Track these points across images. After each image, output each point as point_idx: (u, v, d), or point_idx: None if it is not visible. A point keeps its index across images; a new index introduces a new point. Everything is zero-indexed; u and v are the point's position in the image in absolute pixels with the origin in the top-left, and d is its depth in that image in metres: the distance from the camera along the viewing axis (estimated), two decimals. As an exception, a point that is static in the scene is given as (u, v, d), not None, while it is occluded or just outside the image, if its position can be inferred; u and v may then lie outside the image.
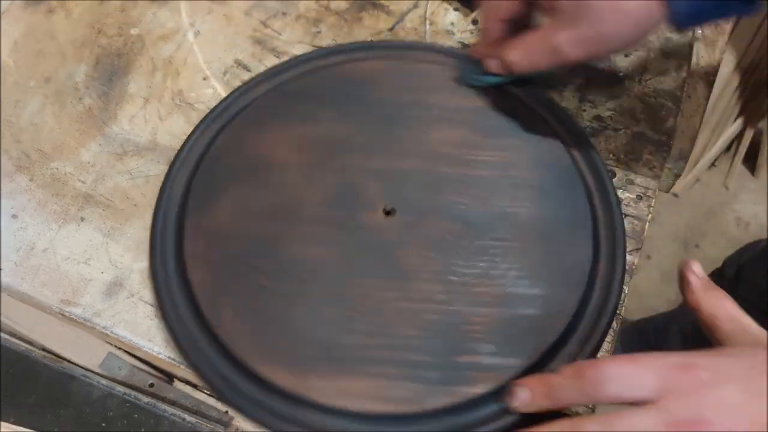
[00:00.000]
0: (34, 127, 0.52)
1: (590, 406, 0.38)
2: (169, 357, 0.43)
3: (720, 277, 0.94)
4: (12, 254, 0.47)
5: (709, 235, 1.37)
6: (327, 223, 0.43)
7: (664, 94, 0.52)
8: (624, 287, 0.42)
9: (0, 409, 0.46)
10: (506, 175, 0.45)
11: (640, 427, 0.30)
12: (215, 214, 0.44)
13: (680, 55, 0.53)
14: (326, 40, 0.55)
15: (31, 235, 0.47)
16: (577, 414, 0.39)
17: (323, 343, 0.39)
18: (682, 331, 1.01)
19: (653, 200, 0.47)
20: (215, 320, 0.40)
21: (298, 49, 0.55)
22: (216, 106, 0.50)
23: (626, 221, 0.46)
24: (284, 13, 0.57)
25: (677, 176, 0.53)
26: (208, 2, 0.58)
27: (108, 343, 0.49)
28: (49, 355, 0.49)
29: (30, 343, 0.51)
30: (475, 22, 0.56)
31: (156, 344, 0.43)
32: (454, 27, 0.56)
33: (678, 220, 1.38)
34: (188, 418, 0.47)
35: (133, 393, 0.47)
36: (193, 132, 0.49)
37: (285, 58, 0.54)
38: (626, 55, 0.53)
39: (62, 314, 0.45)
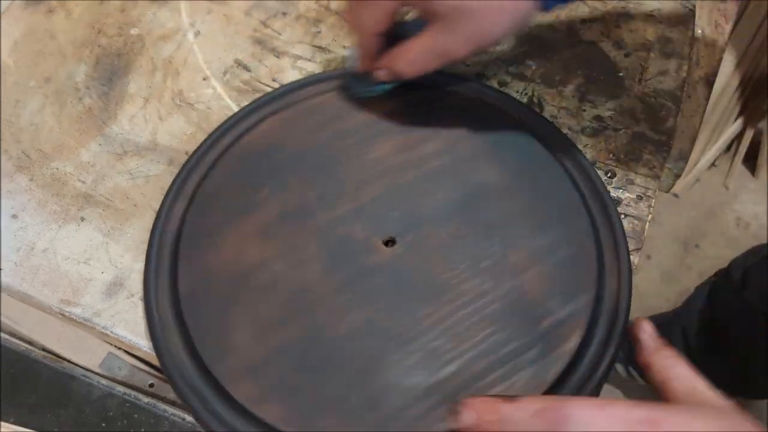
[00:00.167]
0: (34, 127, 0.52)
1: None
2: (169, 357, 0.43)
3: (727, 279, 0.94)
4: (12, 254, 0.47)
5: (709, 235, 1.37)
6: (342, 286, 0.41)
7: (664, 94, 0.52)
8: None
9: (0, 409, 0.46)
10: (457, 155, 0.46)
11: None
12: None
13: (680, 55, 0.53)
14: (326, 40, 0.55)
15: (31, 235, 0.47)
16: None
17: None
18: (685, 331, 1.01)
19: (653, 200, 0.47)
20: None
21: (298, 50, 0.55)
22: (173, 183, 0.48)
23: (626, 221, 0.46)
24: (284, 13, 0.57)
25: (677, 176, 0.53)
26: (208, 2, 0.58)
27: (108, 343, 0.49)
28: (49, 355, 0.49)
29: (30, 343, 0.51)
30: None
31: (156, 344, 0.43)
32: (454, 27, 0.56)
33: (678, 220, 1.38)
34: (188, 418, 0.47)
35: (133, 393, 0.47)
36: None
37: (285, 59, 0.54)
38: (626, 55, 0.53)
39: (62, 314, 0.45)
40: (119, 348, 0.50)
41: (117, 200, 0.49)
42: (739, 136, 1.37)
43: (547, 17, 0.56)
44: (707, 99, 0.54)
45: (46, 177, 0.50)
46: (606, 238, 0.44)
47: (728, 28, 0.58)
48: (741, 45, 1.07)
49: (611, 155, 0.49)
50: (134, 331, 0.44)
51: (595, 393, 0.39)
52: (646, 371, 0.37)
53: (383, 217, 0.44)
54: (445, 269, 0.42)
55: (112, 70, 0.55)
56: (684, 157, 0.52)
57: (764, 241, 0.95)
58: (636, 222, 0.46)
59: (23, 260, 0.46)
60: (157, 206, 0.48)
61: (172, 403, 0.49)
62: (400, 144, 0.47)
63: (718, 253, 1.34)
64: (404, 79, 0.45)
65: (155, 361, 0.42)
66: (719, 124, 1.26)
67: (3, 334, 0.50)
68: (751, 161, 1.41)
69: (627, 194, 0.47)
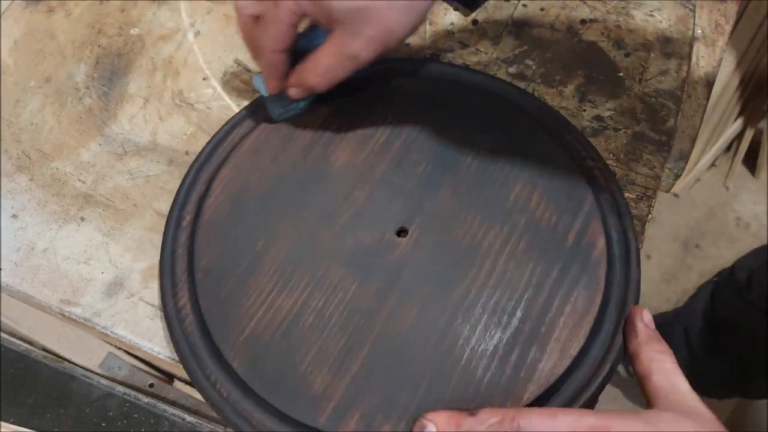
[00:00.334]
0: (34, 127, 0.52)
1: None
2: (169, 357, 0.43)
3: (731, 280, 0.94)
4: (12, 254, 0.47)
5: (709, 235, 1.37)
6: (382, 290, 0.41)
7: (664, 94, 0.52)
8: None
9: (0, 409, 0.46)
10: (413, 129, 0.47)
11: None
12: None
13: (680, 55, 0.53)
14: (326, 40, 0.55)
15: (31, 235, 0.47)
16: None
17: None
18: (686, 331, 1.01)
19: (653, 200, 0.47)
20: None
21: (298, 49, 0.55)
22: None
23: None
24: (284, 13, 0.57)
25: (677, 176, 0.53)
26: (208, 2, 0.58)
27: (108, 343, 0.49)
28: (49, 355, 0.50)
29: (30, 343, 0.51)
30: (475, 22, 0.56)
31: (156, 344, 0.43)
32: (454, 27, 0.56)
33: (678, 220, 1.38)
34: (188, 418, 0.47)
35: (133, 393, 0.47)
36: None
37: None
38: (626, 55, 0.53)
39: (62, 314, 0.45)
40: (119, 348, 0.50)
41: (117, 200, 0.49)
42: (739, 136, 1.37)
43: (547, 17, 0.56)
44: (707, 99, 0.54)
45: (46, 177, 0.50)
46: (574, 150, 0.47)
47: (728, 28, 0.58)
48: (741, 45, 1.07)
49: (611, 155, 0.49)
50: (134, 331, 0.44)
51: (602, 385, 0.39)
52: (634, 360, 0.38)
53: (383, 212, 0.44)
54: (463, 232, 0.43)
55: (112, 70, 0.55)
56: (684, 157, 0.52)
57: (764, 241, 0.96)
58: (636, 222, 0.46)
59: (23, 260, 0.46)
60: (157, 206, 0.48)
61: (172, 403, 0.49)
62: (356, 141, 0.47)
63: (718, 253, 1.34)
64: (319, 92, 0.45)
65: (155, 361, 0.42)
66: (719, 124, 1.26)
67: (3, 334, 0.50)
68: (751, 161, 1.41)
69: (627, 194, 0.47)
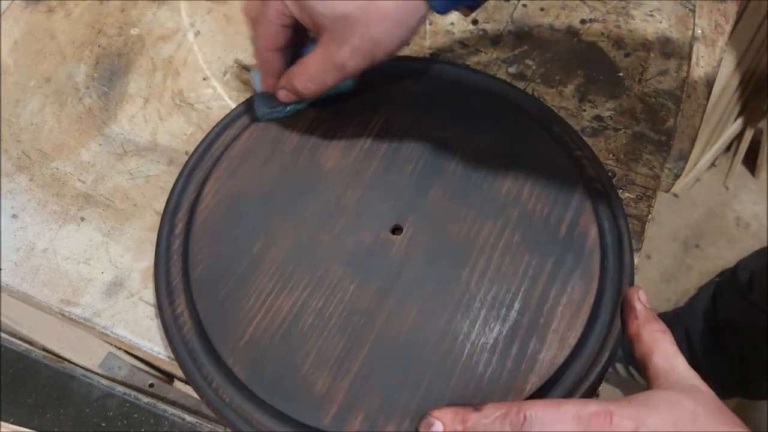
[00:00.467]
0: (34, 127, 0.52)
1: None
2: (169, 357, 0.43)
3: (733, 280, 0.94)
4: (12, 254, 0.47)
5: (709, 235, 1.37)
6: (381, 290, 0.42)
7: (664, 94, 0.52)
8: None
9: (0, 409, 0.46)
10: (399, 127, 0.48)
11: None
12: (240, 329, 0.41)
13: (680, 55, 0.53)
14: (326, 40, 0.55)
15: (31, 235, 0.47)
16: None
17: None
18: (688, 331, 1.01)
19: (653, 200, 0.47)
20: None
21: (298, 49, 0.55)
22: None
23: (626, 221, 0.46)
24: (284, 13, 0.57)
25: (677, 176, 0.53)
26: (208, 2, 0.58)
27: (108, 343, 0.49)
28: (49, 355, 0.50)
29: (30, 343, 0.51)
30: (475, 22, 0.56)
31: (156, 344, 0.43)
32: (454, 27, 0.56)
33: (678, 220, 1.38)
34: (188, 418, 0.47)
35: (133, 393, 0.47)
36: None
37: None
38: (626, 55, 0.53)
39: (62, 314, 0.45)
40: (119, 348, 0.50)
41: (117, 200, 0.49)
42: (739, 136, 1.37)
43: (547, 17, 0.56)
44: (707, 99, 0.54)
45: (46, 177, 0.50)
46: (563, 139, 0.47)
47: (728, 28, 0.58)
48: (741, 45, 1.07)
49: (611, 155, 0.49)
50: (134, 331, 0.44)
51: (602, 374, 0.39)
52: (634, 341, 0.38)
53: (377, 212, 0.44)
54: (458, 228, 0.43)
55: (112, 70, 0.55)
56: (684, 157, 0.52)
57: (764, 241, 0.96)
58: (636, 222, 0.46)
59: (23, 260, 0.46)
60: (157, 206, 0.48)
61: (172, 403, 0.49)
62: (345, 142, 0.47)
63: (718, 253, 1.34)
64: (307, 99, 0.45)
65: (155, 361, 0.42)
66: (719, 124, 1.26)
67: (3, 334, 0.50)
68: (751, 161, 1.41)
69: (627, 194, 0.47)
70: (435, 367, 0.39)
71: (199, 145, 0.48)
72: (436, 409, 0.36)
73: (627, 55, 0.53)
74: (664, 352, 0.36)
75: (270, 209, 0.45)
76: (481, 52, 0.54)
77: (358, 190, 0.45)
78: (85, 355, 0.50)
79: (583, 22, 0.55)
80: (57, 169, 0.50)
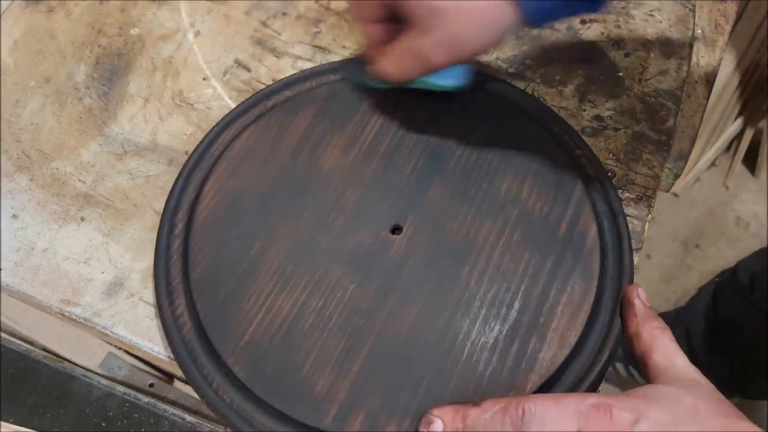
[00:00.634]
0: (34, 127, 0.52)
1: None
2: (169, 357, 0.43)
3: (733, 280, 0.94)
4: (12, 254, 0.47)
5: (709, 235, 1.37)
6: (381, 290, 0.42)
7: (664, 94, 0.52)
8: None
9: (0, 409, 0.46)
10: (398, 126, 0.48)
11: None
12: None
13: (680, 55, 0.53)
14: (326, 40, 0.55)
15: (31, 235, 0.47)
16: None
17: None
18: (688, 331, 1.01)
19: (653, 200, 0.47)
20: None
21: (298, 50, 0.55)
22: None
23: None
24: (284, 13, 0.57)
25: (677, 176, 0.53)
26: (208, 2, 0.58)
27: (108, 343, 0.49)
28: (49, 355, 0.50)
29: (30, 343, 0.51)
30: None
31: (156, 344, 0.43)
32: (454, 27, 0.55)
33: (678, 220, 1.38)
34: (188, 418, 0.47)
35: (133, 393, 0.47)
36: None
37: (285, 59, 0.54)
38: (626, 55, 0.53)
39: (62, 314, 0.45)
40: (119, 348, 0.50)
41: (117, 200, 0.49)
42: (739, 136, 1.37)
43: (547, 17, 0.56)
44: (707, 99, 0.54)
45: (46, 177, 0.50)
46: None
47: (728, 28, 0.58)
48: (741, 45, 1.07)
49: (611, 155, 0.49)
50: (134, 331, 0.44)
51: (601, 373, 0.39)
52: (634, 339, 0.38)
53: (376, 212, 0.44)
54: (457, 226, 0.43)
55: (112, 70, 0.55)
56: (684, 157, 0.52)
57: (764, 241, 0.96)
58: (636, 222, 0.46)
59: (23, 260, 0.46)
60: (157, 206, 0.48)
61: (172, 403, 0.49)
62: (343, 142, 0.47)
63: (718, 253, 1.34)
64: (391, 82, 0.44)
65: (155, 361, 0.42)
66: (719, 124, 1.26)
67: (3, 334, 0.50)
68: (751, 161, 1.41)
69: (627, 194, 0.47)
70: (435, 367, 0.39)
71: (198, 145, 0.48)
72: (436, 407, 0.36)
73: (627, 55, 0.53)
74: (664, 350, 0.36)
75: (269, 209, 0.45)
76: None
77: (357, 189, 0.45)
78: (85, 355, 0.50)
79: (583, 22, 0.55)
80: (57, 169, 0.50)
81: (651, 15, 0.56)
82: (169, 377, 0.52)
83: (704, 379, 0.34)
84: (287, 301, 0.41)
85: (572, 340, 0.39)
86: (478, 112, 0.48)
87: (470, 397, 0.38)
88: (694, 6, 0.56)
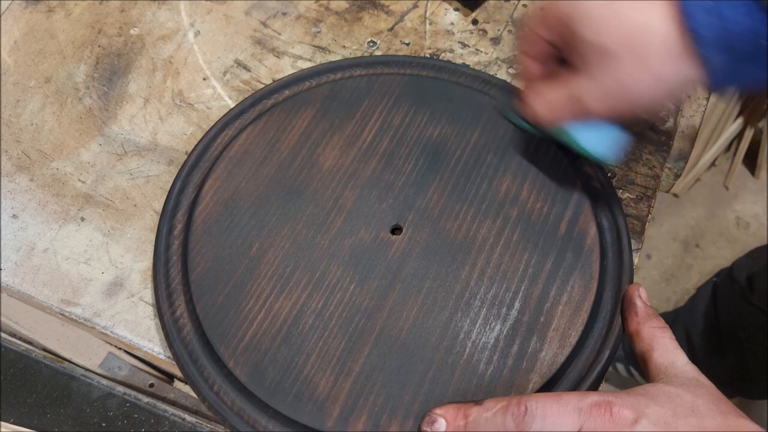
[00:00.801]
0: (34, 127, 0.52)
1: None
2: (168, 357, 0.43)
3: (730, 280, 0.94)
4: (12, 254, 0.47)
5: (709, 235, 1.37)
6: (382, 289, 0.41)
7: (664, 94, 0.52)
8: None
9: (0, 409, 0.46)
10: (396, 124, 0.48)
11: None
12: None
13: (680, 55, 0.53)
14: (326, 40, 0.55)
15: (31, 235, 0.47)
16: None
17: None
18: (688, 332, 1.01)
19: (653, 200, 0.47)
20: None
21: (298, 50, 0.55)
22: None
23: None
24: (284, 13, 0.57)
25: (677, 176, 0.53)
26: (208, 2, 0.58)
27: (108, 343, 0.49)
28: (49, 355, 0.50)
29: (30, 343, 0.51)
30: (475, 21, 0.56)
31: (156, 344, 0.43)
32: (454, 27, 0.56)
33: (678, 220, 1.38)
34: (188, 418, 0.47)
35: (133, 393, 0.47)
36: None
37: (285, 59, 0.54)
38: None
39: (62, 314, 0.45)
40: (119, 348, 0.50)
41: (117, 200, 0.49)
42: (739, 136, 1.37)
43: (547, 17, 0.56)
44: (707, 99, 0.54)
45: (46, 177, 0.50)
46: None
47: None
48: (741, 45, 1.07)
49: (611, 155, 0.49)
50: (134, 331, 0.44)
51: (602, 372, 0.40)
52: (634, 339, 0.38)
53: (375, 212, 0.44)
54: (457, 226, 0.43)
55: (112, 70, 0.55)
56: (684, 157, 0.52)
57: (764, 241, 0.95)
58: (636, 222, 0.46)
59: (23, 260, 0.46)
60: (157, 206, 0.48)
61: (172, 403, 0.49)
62: (343, 141, 0.47)
63: (718, 253, 1.34)
64: (541, 124, 0.41)
65: (155, 361, 0.42)
66: (719, 124, 1.26)
67: (3, 334, 0.50)
68: (751, 161, 1.41)
69: (627, 194, 0.47)
70: (436, 366, 0.39)
71: (197, 145, 0.48)
72: (438, 406, 0.36)
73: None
74: (664, 349, 0.36)
75: (269, 209, 0.45)
76: (481, 52, 0.54)
77: (356, 189, 0.45)
78: (85, 355, 0.50)
79: (583, 22, 0.55)
80: (57, 169, 0.50)
81: (651, 15, 0.56)
82: (169, 377, 0.52)
83: (704, 377, 0.35)
84: (287, 302, 0.41)
85: (573, 339, 0.40)
86: (477, 112, 0.48)
87: (471, 396, 0.38)
88: (694, 6, 0.56)
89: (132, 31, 0.57)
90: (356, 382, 0.39)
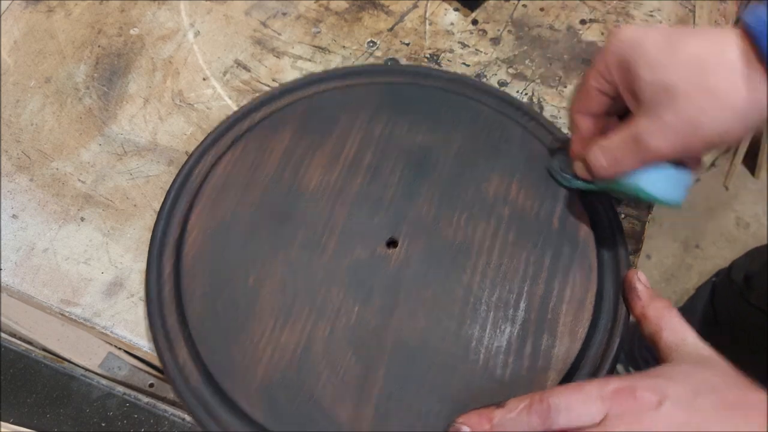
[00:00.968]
0: (34, 127, 0.52)
1: None
2: (169, 357, 0.43)
3: (728, 279, 0.94)
4: (12, 254, 0.47)
5: (709, 235, 1.37)
6: (386, 306, 0.40)
7: (664, 94, 0.52)
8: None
9: (0, 409, 0.46)
10: (379, 137, 0.47)
11: None
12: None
13: (680, 55, 0.53)
14: (326, 40, 0.55)
15: (31, 235, 0.47)
16: None
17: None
18: None
19: (653, 200, 0.47)
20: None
21: (298, 50, 0.55)
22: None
23: (626, 221, 0.46)
24: (284, 13, 0.57)
25: (677, 176, 0.53)
26: (208, 2, 0.58)
27: (108, 343, 0.49)
28: (49, 355, 0.50)
29: (30, 343, 0.51)
30: (475, 22, 0.56)
31: (156, 344, 0.43)
32: (454, 27, 0.56)
33: (678, 220, 1.38)
34: (188, 418, 0.47)
35: (133, 393, 0.47)
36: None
37: (285, 59, 0.54)
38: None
39: (62, 314, 0.45)
40: (119, 348, 0.50)
41: (117, 200, 0.49)
42: (739, 136, 1.36)
43: (547, 17, 0.56)
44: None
45: (46, 177, 0.50)
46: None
47: (728, 28, 0.58)
48: (741, 45, 1.07)
49: (611, 155, 0.49)
50: (134, 331, 0.44)
51: (615, 360, 0.40)
52: (641, 322, 0.38)
53: (368, 228, 0.43)
54: (452, 232, 0.43)
55: (112, 70, 0.55)
56: (684, 157, 0.52)
57: (764, 241, 0.95)
58: (636, 222, 0.46)
59: (23, 260, 0.46)
60: (157, 206, 0.48)
61: (172, 403, 0.49)
62: (326, 158, 0.46)
63: (718, 253, 1.34)
64: (600, 177, 0.39)
65: (155, 361, 0.42)
66: (719, 124, 1.26)
67: (3, 334, 0.51)
68: (751, 161, 1.41)
69: (627, 194, 0.47)
70: (454, 378, 0.38)
71: (174, 181, 0.46)
72: (460, 415, 0.36)
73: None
74: (673, 327, 0.36)
75: (259, 238, 0.43)
76: (481, 52, 0.54)
77: (345, 207, 0.44)
78: (85, 355, 0.50)
79: (583, 22, 0.55)
80: (57, 169, 0.50)
81: (651, 15, 0.56)
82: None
83: (716, 355, 0.34)
84: (293, 334, 0.40)
85: (582, 332, 0.40)
86: (457, 115, 0.48)
87: (494, 400, 0.37)
88: (694, 6, 0.56)
89: (132, 31, 0.57)
90: (378, 408, 0.38)
